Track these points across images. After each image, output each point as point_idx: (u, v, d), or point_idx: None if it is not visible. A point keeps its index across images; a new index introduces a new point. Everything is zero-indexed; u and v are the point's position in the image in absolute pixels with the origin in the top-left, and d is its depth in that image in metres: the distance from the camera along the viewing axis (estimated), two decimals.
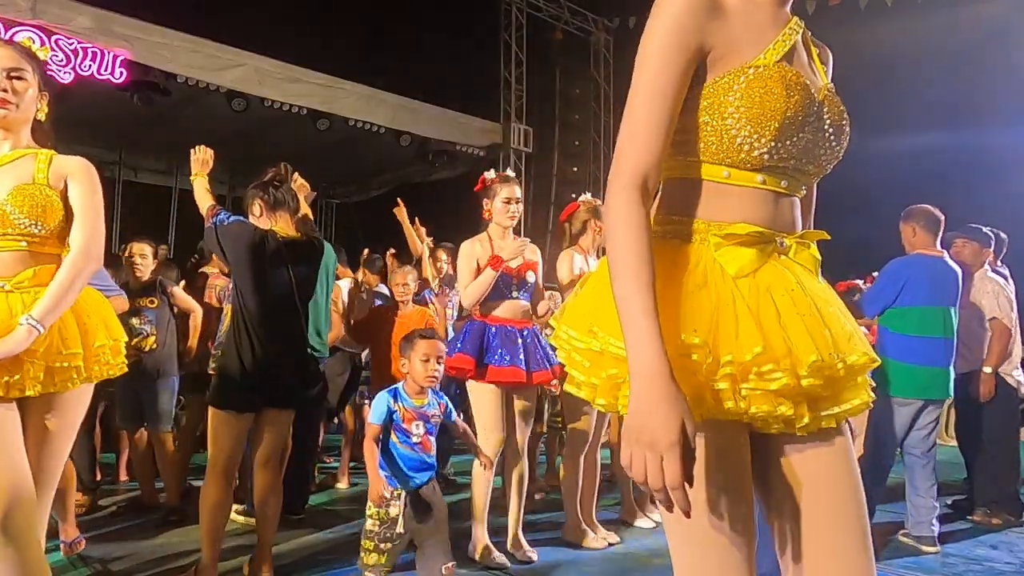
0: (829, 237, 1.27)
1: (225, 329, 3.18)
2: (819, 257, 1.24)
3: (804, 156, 1.19)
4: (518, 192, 3.52)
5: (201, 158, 3.25)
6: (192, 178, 3.25)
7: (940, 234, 3.97)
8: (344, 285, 5.04)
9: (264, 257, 3.00)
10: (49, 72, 2.20)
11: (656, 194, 1.17)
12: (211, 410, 2.94)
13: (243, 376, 2.91)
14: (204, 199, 3.17)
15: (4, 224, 1.96)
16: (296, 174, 3.41)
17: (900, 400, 3.86)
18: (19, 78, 2.01)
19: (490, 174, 3.56)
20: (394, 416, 2.77)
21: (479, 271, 3.37)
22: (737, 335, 1.06)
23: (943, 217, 3.97)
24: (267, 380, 2.94)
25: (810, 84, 1.18)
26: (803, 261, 1.21)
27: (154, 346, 4.00)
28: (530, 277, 3.51)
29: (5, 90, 1.99)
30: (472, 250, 3.42)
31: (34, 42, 2.18)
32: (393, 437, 2.76)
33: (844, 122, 1.23)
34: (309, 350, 4.12)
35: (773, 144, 1.14)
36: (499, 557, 3.38)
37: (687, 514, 0.97)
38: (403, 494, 2.71)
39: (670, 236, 1.19)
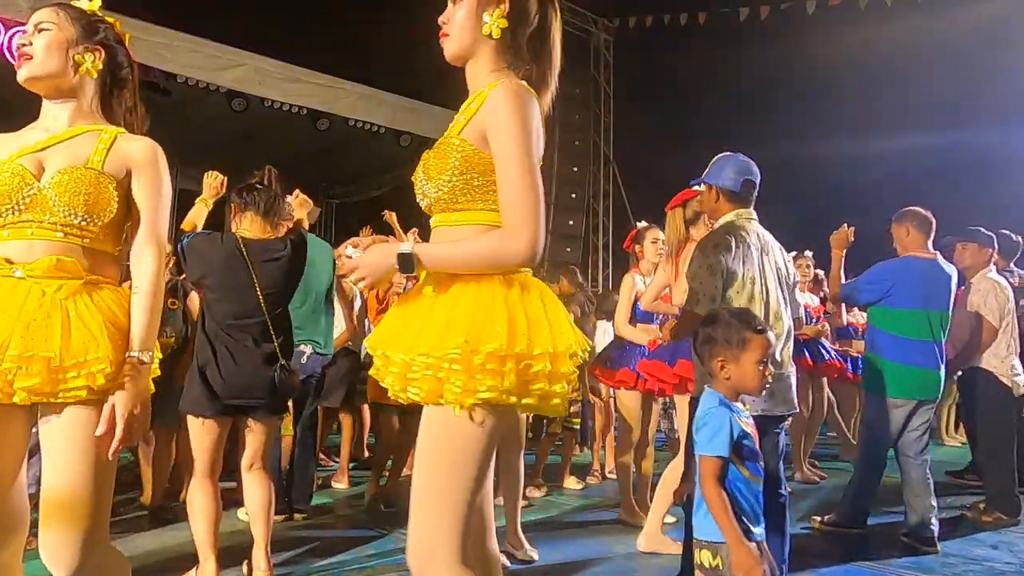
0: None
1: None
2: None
3: None
4: None
5: (212, 184, 3.27)
6: (199, 200, 3.27)
7: (932, 236, 3.98)
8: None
9: (221, 261, 2.99)
10: None
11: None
12: (186, 416, 2.94)
13: (204, 383, 2.88)
14: (189, 222, 3.22)
15: (43, 210, 1.68)
16: (297, 190, 3.38)
17: (895, 401, 3.86)
18: (43, 30, 1.79)
19: None
20: (743, 438, 1.96)
21: None
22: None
23: (935, 220, 3.98)
24: (232, 386, 2.89)
25: None
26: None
27: (174, 346, 4.02)
28: None
29: (24, 44, 1.77)
30: None
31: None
32: (743, 470, 1.95)
33: None
34: (311, 348, 4.14)
35: None
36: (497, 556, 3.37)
37: None
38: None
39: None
